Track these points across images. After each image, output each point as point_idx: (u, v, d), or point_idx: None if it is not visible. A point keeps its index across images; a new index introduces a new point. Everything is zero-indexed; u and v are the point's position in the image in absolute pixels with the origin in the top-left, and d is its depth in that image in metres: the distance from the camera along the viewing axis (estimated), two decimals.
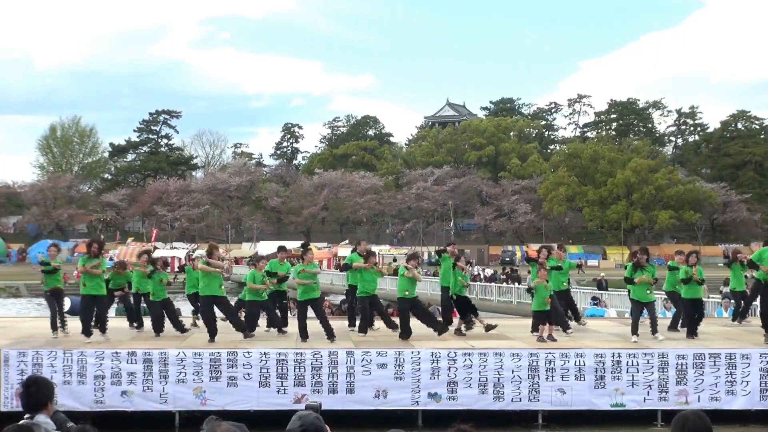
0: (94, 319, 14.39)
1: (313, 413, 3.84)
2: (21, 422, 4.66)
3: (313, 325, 14.98)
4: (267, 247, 74.62)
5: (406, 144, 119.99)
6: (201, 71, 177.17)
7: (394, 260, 52.69)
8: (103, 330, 14.31)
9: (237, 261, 53.38)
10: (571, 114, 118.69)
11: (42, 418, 4.76)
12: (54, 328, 14.59)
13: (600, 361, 13.40)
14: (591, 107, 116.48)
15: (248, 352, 13.23)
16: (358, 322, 15.74)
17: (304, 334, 14.38)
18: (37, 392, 4.90)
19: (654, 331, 14.64)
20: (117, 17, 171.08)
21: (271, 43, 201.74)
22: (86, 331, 14.07)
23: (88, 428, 4.57)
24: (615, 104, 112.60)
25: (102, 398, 12.97)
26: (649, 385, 13.37)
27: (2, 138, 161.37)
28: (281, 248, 16.94)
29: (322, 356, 13.23)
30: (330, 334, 14.29)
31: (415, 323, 15.05)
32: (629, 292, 15.36)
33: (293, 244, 64.84)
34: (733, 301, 18.65)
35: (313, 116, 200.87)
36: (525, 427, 13.31)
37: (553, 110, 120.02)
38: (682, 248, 17.73)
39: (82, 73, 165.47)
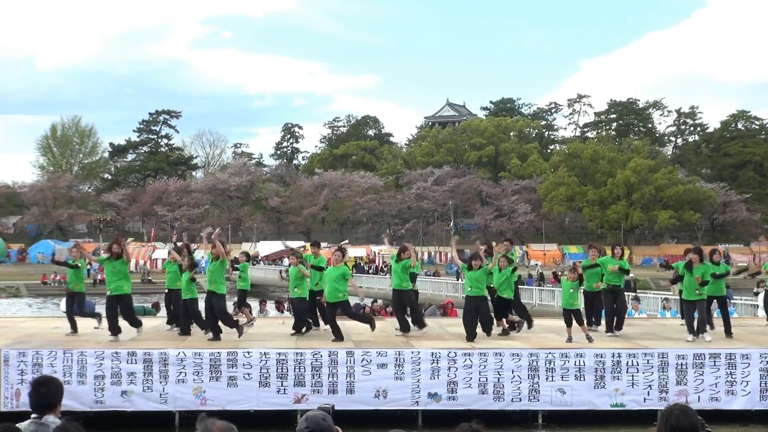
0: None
1: (321, 412, 3.84)
2: (27, 421, 4.67)
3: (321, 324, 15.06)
4: (267, 247, 74.75)
5: (406, 144, 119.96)
6: (203, 71, 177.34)
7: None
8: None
9: (237, 261, 53.17)
10: (571, 114, 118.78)
11: (51, 419, 4.76)
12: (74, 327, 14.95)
13: (600, 361, 13.41)
14: (591, 107, 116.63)
15: (248, 352, 13.24)
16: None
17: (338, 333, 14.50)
18: (47, 393, 4.90)
19: (701, 330, 14.56)
20: (119, 17, 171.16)
21: (273, 42, 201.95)
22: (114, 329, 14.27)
23: (71, 426, 4.56)
24: (615, 104, 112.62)
25: (102, 398, 12.97)
26: (649, 385, 13.37)
27: (2, 138, 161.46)
28: (315, 243, 17.03)
29: (322, 356, 13.24)
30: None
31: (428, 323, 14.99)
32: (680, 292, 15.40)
33: (293, 244, 64.88)
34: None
35: (316, 116, 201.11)
36: (525, 427, 13.32)
37: (553, 110, 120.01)
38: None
39: (83, 73, 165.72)
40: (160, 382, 13.04)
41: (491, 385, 13.30)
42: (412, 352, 13.38)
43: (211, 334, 14.42)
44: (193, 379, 13.07)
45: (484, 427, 3.76)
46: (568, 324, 14.67)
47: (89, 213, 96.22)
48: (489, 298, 15.43)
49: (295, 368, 13.16)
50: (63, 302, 23.98)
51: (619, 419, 13.48)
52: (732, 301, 20.91)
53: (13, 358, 13.00)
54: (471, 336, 14.40)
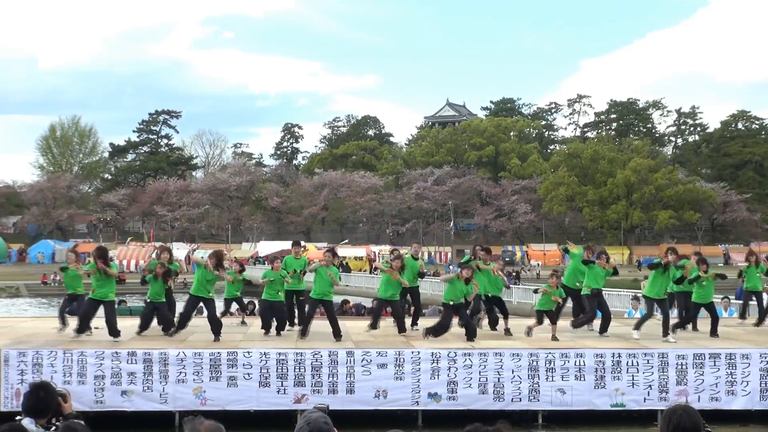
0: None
1: (320, 413, 3.84)
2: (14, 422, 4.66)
3: (318, 324, 15.03)
4: (267, 247, 74.72)
5: (406, 144, 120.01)
6: (204, 71, 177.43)
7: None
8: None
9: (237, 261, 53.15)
10: (571, 114, 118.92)
11: (26, 422, 4.74)
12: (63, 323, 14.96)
13: (600, 361, 13.41)
14: (591, 107, 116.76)
15: (248, 352, 13.23)
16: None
17: (306, 331, 14.47)
18: (45, 398, 4.89)
19: (665, 331, 14.64)
20: (120, 17, 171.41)
21: (273, 43, 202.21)
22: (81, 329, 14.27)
23: (75, 424, 4.54)
24: (615, 104, 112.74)
25: (102, 398, 12.97)
26: (649, 385, 13.37)
27: (2, 138, 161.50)
28: (296, 243, 16.98)
29: (322, 356, 13.23)
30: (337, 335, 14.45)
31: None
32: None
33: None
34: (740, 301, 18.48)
35: (317, 116, 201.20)
36: (525, 427, 13.30)
37: (553, 110, 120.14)
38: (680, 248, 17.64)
39: (85, 73, 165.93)
40: (160, 382, 13.04)
41: (491, 385, 13.29)
42: (412, 352, 13.38)
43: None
44: (193, 379, 13.06)
45: (508, 427, 3.76)
46: (540, 322, 14.94)
47: (89, 213, 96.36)
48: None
49: (295, 368, 13.16)
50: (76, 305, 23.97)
51: (619, 419, 13.47)
52: (732, 301, 20.91)
53: (13, 358, 12.99)
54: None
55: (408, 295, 16.42)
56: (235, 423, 10.47)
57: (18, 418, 4.81)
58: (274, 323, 15.24)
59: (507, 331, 15.44)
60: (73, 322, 15.04)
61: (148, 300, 15.24)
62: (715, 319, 15.37)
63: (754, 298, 17.12)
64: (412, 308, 16.96)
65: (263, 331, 15.15)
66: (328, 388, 13.14)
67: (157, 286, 15.00)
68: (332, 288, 14.82)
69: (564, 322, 16.02)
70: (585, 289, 15.50)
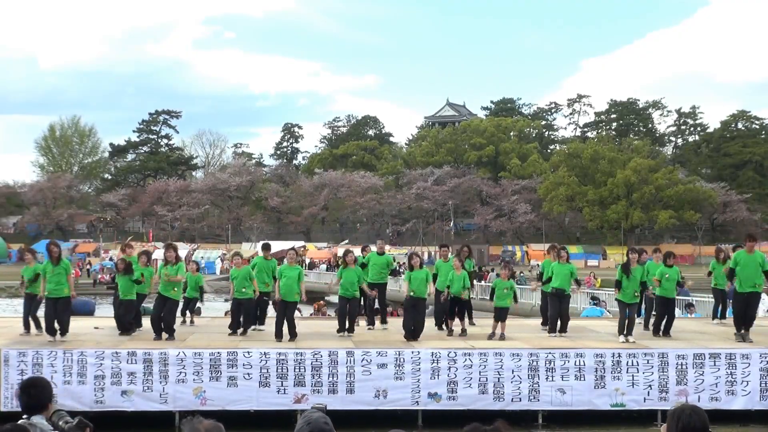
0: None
1: (320, 413, 3.84)
2: (19, 422, 4.65)
3: (318, 325, 15.03)
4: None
5: (406, 144, 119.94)
6: (204, 71, 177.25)
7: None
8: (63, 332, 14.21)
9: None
10: (571, 114, 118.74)
11: (37, 419, 4.74)
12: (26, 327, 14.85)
13: (600, 361, 13.42)
14: (591, 107, 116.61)
15: (248, 352, 13.24)
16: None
17: (280, 333, 14.42)
18: (36, 394, 4.88)
19: (629, 332, 14.64)
20: (121, 17, 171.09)
21: (273, 43, 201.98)
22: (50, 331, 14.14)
23: (85, 421, 4.55)
24: (615, 104, 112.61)
25: (102, 398, 12.98)
26: (649, 385, 13.38)
27: (2, 138, 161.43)
28: (266, 246, 16.95)
29: (322, 356, 13.24)
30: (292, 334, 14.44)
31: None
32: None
33: (292, 244, 64.81)
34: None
35: (317, 116, 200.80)
36: (525, 427, 13.31)
37: (553, 110, 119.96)
38: (670, 248, 17.72)
39: (85, 73, 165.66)
40: (160, 382, 13.04)
41: (491, 385, 13.30)
42: (412, 352, 13.38)
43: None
44: (193, 379, 13.07)
45: (507, 426, 3.75)
46: (503, 320, 14.98)
47: (89, 213, 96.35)
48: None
49: (295, 368, 13.17)
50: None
51: (619, 419, 13.48)
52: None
53: (13, 358, 13.00)
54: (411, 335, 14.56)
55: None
56: (235, 423, 10.48)
57: (25, 416, 4.81)
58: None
59: (450, 332, 15.52)
60: (77, 323, 15.03)
61: (119, 299, 15.15)
62: (670, 318, 15.50)
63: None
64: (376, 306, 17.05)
65: (229, 330, 15.05)
66: (328, 388, 13.15)
67: (123, 282, 14.92)
68: (298, 288, 14.69)
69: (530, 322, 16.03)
70: (547, 287, 15.61)
